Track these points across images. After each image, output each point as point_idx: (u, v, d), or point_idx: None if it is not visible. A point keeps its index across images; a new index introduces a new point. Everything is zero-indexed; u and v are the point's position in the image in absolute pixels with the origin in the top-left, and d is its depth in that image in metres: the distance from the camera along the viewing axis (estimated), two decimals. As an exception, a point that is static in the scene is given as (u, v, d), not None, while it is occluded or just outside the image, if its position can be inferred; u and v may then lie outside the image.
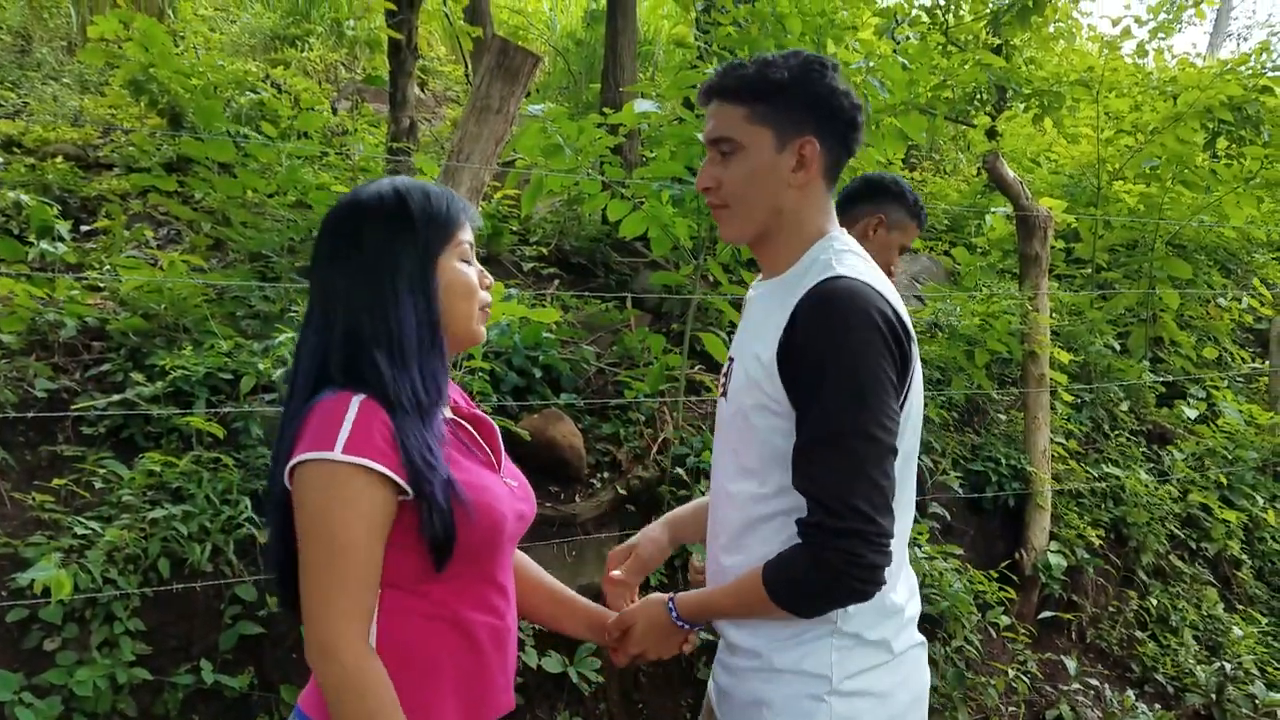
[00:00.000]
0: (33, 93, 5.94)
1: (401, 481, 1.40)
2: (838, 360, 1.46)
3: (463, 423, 1.63)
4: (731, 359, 1.73)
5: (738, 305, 4.05)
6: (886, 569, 1.48)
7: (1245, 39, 25.54)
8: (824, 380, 1.46)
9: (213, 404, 3.17)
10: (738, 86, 1.59)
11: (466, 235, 1.57)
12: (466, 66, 8.05)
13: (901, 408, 1.53)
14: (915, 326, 5.17)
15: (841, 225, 1.69)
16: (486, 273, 1.63)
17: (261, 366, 3.23)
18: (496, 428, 1.71)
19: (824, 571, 1.46)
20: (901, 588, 1.66)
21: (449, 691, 1.49)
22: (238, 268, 4.07)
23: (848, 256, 1.59)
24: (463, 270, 1.55)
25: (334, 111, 6.63)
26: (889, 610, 1.61)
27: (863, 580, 1.45)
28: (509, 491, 1.61)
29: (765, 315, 1.60)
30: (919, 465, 4.37)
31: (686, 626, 1.69)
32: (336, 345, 1.47)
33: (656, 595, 1.74)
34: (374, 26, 7.76)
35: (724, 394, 1.73)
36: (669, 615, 1.69)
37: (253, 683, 2.75)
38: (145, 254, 4.12)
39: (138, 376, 3.20)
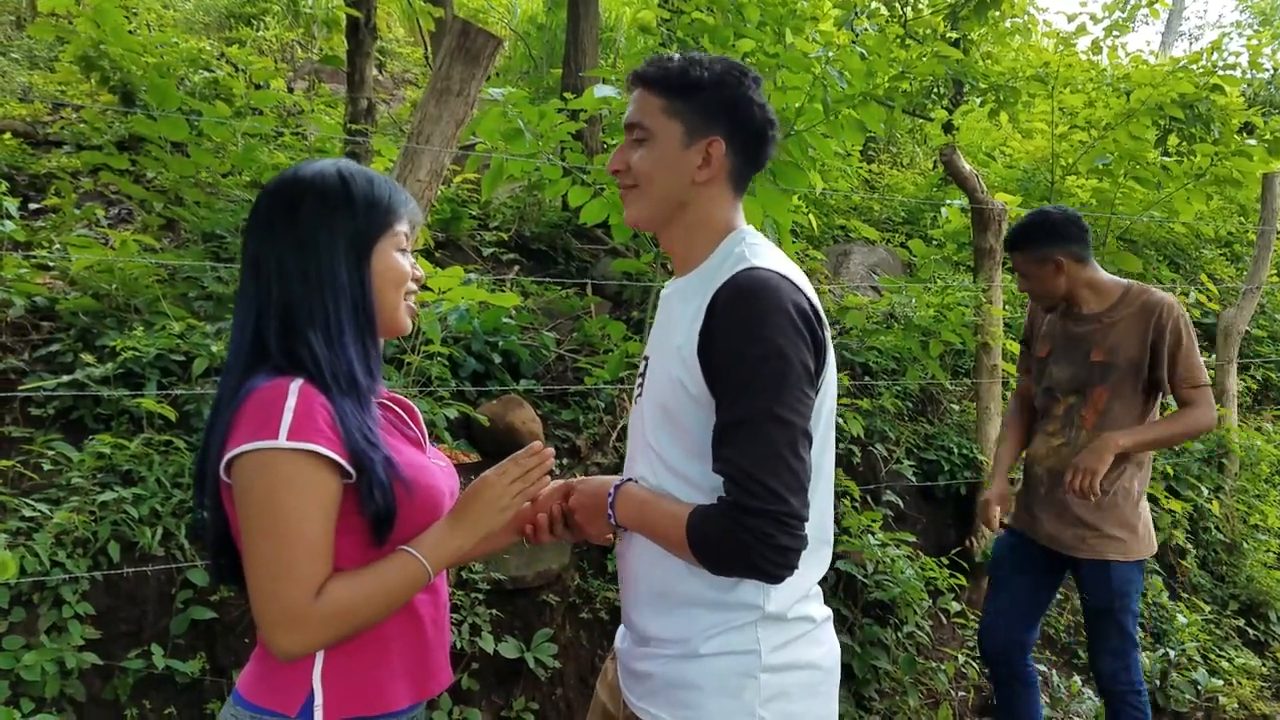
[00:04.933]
0: (-21, 66, 5.81)
1: (345, 464, 1.40)
2: (752, 347, 1.48)
3: (390, 405, 1.64)
4: (646, 358, 1.73)
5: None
6: (801, 553, 1.48)
7: (1196, 38, 26.01)
8: (739, 366, 1.48)
9: (164, 386, 3.13)
10: (659, 78, 1.64)
11: (403, 227, 1.58)
12: (426, 48, 7.98)
13: (816, 394, 1.55)
14: (872, 318, 5.20)
15: None
16: (418, 265, 1.63)
17: (214, 349, 3.19)
18: (417, 410, 1.72)
19: (734, 545, 1.45)
20: (818, 569, 1.68)
21: (400, 671, 1.51)
22: (190, 248, 4.01)
23: (760, 249, 1.62)
24: (397, 259, 1.56)
25: (290, 91, 6.54)
26: (809, 589, 1.65)
27: (772, 562, 1.45)
28: (441, 470, 1.63)
29: (681, 310, 1.62)
30: (873, 454, 4.42)
31: (613, 521, 1.66)
32: (271, 321, 1.46)
33: (605, 479, 1.73)
34: (332, 5, 7.67)
35: (640, 394, 1.72)
36: (607, 500, 1.67)
37: (204, 668, 2.72)
38: (96, 233, 4.05)
39: (88, 357, 3.15)
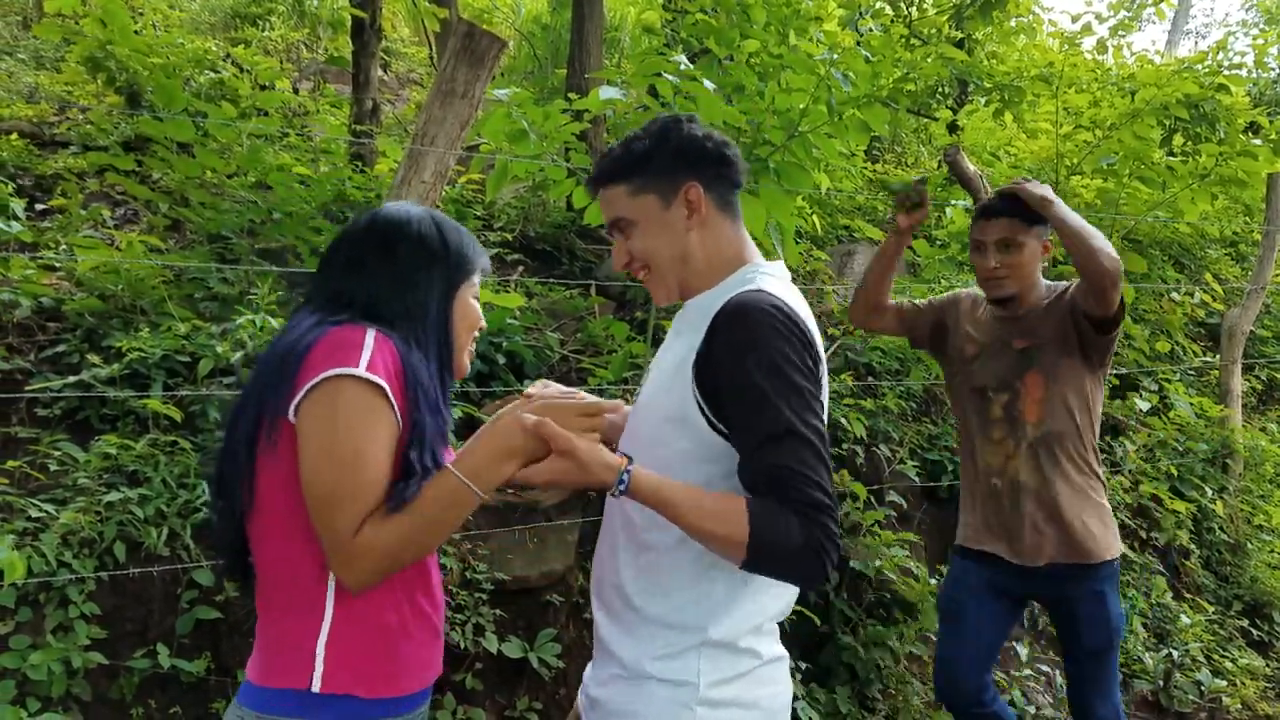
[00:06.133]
0: (-14, 67, 5.83)
1: (399, 414, 1.46)
2: (765, 363, 1.49)
3: None
4: (649, 371, 1.77)
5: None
6: None
7: (1204, 36, 25.94)
8: (753, 382, 1.49)
9: (170, 387, 3.14)
10: (613, 170, 1.70)
11: (478, 276, 1.70)
12: (431, 49, 7.99)
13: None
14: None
15: None
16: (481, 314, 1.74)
17: (220, 349, 3.20)
18: None
19: (811, 545, 1.44)
20: (778, 604, 1.67)
21: (404, 658, 1.56)
22: (196, 249, 4.02)
23: (767, 279, 1.64)
24: (473, 304, 1.68)
25: (295, 91, 6.56)
26: (762, 623, 1.64)
27: (833, 560, 1.47)
28: None
29: (684, 330, 1.66)
30: (877, 454, 4.42)
31: (625, 481, 1.48)
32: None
33: (607, 454, 1.50)
34: (337, 6, 7.68)
35: (635, 402, 1.76)
36: (616, 482, 1.47)
37: (209, 667, 2.74)
38: (102, 234, 4.06)
39: (94, 358, 3.16)
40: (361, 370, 1.42)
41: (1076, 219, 2.70)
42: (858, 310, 3.14)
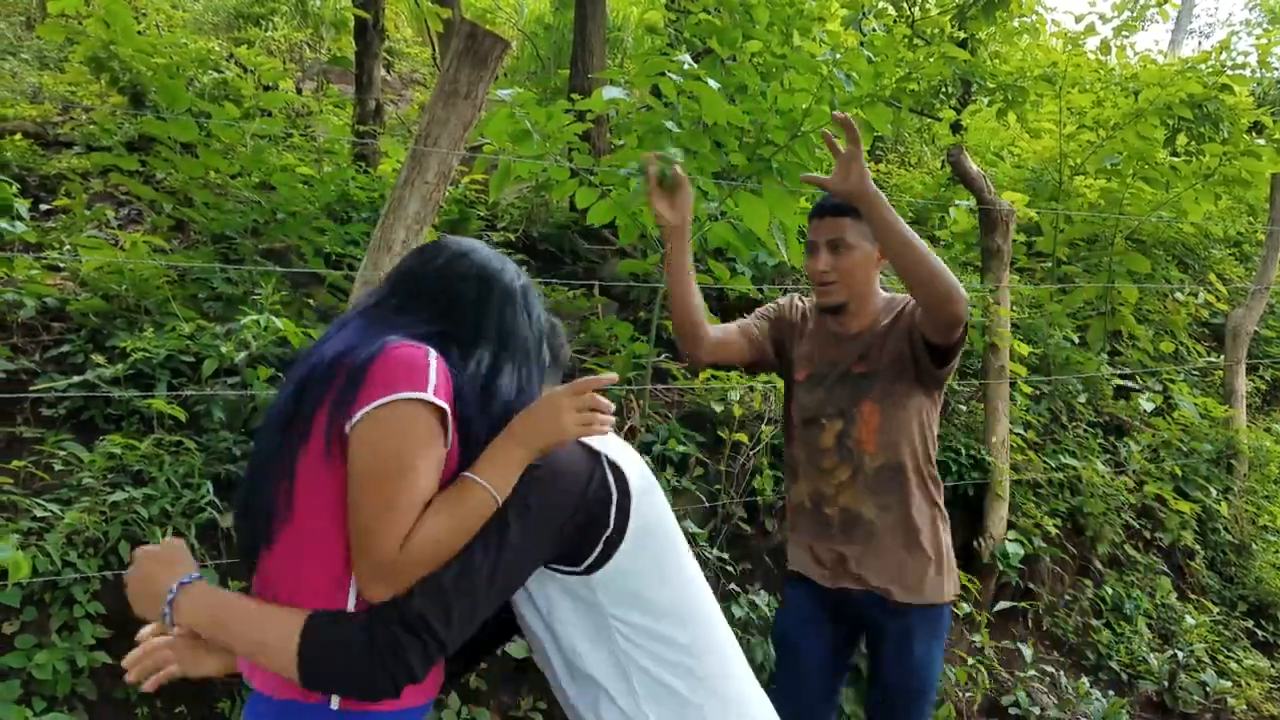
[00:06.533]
0: (-11, 68, 5.84)
1: (450, 436, 1.48)
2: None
3: None
4: None
5: (704, 295, 4.05)
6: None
7: (1207, 35, 25.92)
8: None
9: (174, 387, 3.14)
10: None
11: None
12: (434, 49, 8.00)
13: (605, 557, 1.56)
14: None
15: None
16: None
17: (224, 349, 3.20)
18: None
19: (378, 648, 1.42)
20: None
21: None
22: (200, 249, 4.03)
23: None
24: None
25: (298, 92, 6.56)
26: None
27: (411, 669, 1.43)
28: None
29: None
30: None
31: (168, 615, 1.52)
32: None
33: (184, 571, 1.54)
34: (340, 6, 7.69)
35: None
36: (164, 597, 1.52)
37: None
38: (106, 234, 4.07)
39: (98, 358, 3.16)
40: (430, 395, 1.43)
41: (904, 228, 2.33)
42: (694, 345, 2.71)
